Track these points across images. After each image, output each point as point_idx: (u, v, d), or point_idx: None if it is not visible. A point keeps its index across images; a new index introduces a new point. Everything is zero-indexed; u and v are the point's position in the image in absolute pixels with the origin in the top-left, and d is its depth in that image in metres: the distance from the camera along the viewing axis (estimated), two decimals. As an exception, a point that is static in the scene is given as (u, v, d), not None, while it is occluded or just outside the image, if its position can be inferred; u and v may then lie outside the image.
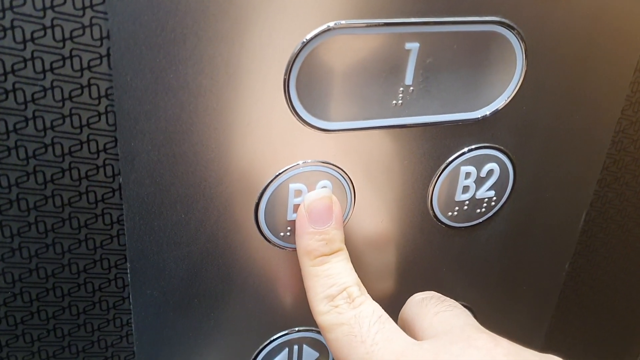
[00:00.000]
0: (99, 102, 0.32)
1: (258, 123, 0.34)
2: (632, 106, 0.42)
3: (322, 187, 0.37)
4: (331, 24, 0.32)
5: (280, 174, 0.36)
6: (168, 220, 0.35)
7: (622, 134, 0.43)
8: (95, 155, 0.33)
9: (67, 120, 0.32)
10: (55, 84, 0.31)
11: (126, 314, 0.38)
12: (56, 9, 0.29)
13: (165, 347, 0.40)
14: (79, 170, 0.33)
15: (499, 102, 0.38)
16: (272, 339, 0.42)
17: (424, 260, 0.43)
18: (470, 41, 0.36)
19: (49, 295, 0.36)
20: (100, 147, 0.33)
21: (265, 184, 0.36)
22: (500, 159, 0.40)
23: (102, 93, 0.31)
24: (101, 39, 0.30)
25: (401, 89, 0.36)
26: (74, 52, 0.30)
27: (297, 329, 0.43)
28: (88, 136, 0.32)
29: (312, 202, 0.36)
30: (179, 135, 0.33)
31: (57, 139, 0.32)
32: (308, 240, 0.36)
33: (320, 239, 0.36)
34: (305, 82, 0.34)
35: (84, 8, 0.29)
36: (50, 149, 0.32)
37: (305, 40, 0.32)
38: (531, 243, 0.45)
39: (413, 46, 0.35)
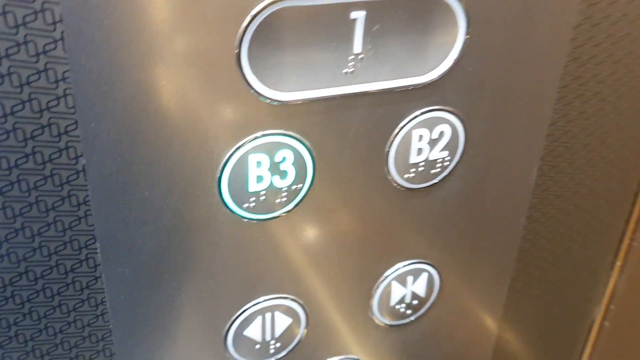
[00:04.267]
0: (57, 86, 0.32)
1: (214, 98, 0.35)
2: (574, 62, 0.44)
3: None
4: (276, -3, 0.34)
5: (240, 146, 0.37)
6: (133, 198, 0.36)
7: (566, 89, 0.44)
8: (57, 139, 0.34)
9: (27, 105, 0.32)
10: (12, 70, 0.31)
11: (100, 293, 0.39)
12: (7, -5, 0.29)
13: (141, 322, 0.41)
14: (42, 154, 0.34)
15: (445, 65, 0.39)
16: (244, 308, 0.43)
17: (385, 223, 0.44)
18: (413, 6, 0.37)
19: (21, 279, 0.37)
20: (62, 130, 0.33)
21: (226, 157, 0.37)
22: (450, 120, 0.42)
23: (60, 77, 0.32)
24: (54, 23, 0.31)
25: (351, 57, 0.37)
26: (28, 38, 0.31)
27: (268, 297, 0.44)
28: (49, 120, 0.33)
29: None
30: (137, 113, 0.34)
31: (19, 124, 0.32)
32: None
33: None
34: (257, 56, 0.35)
35: (34, -7, 0.30)
36: (12, 134, 0.33)
37: (253, 14, 0.33)
38: (487, 199, 0.47)
39: (359, 14, 0.36)
